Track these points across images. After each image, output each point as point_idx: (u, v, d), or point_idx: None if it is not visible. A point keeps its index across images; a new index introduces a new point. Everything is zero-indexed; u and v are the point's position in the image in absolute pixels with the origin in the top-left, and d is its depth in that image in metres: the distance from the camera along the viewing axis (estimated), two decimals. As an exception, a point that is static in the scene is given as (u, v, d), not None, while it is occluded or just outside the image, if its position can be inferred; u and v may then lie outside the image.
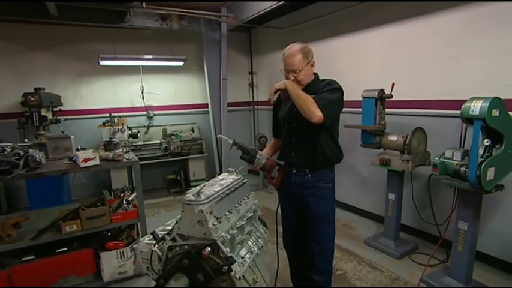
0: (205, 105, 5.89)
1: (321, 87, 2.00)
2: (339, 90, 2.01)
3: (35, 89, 4.69)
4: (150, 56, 5.09)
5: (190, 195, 1.47)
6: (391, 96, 3.24)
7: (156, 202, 5.37)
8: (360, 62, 4.16)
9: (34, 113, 4.53)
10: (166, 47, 5.62)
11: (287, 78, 2.05)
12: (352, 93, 4.21)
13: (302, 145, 2.08)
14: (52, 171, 2.64)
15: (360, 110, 3.46)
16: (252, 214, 1.80)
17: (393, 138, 3.21)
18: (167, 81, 5.96)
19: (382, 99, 3.32)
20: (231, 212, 1.59)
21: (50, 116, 4.87)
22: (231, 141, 2.21)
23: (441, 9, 3.21)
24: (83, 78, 5.37)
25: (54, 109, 4.97)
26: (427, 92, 3.44)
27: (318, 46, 4.59)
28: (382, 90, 3.30)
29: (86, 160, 2.72)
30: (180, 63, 5.43)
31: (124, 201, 3.13)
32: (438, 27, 3.26)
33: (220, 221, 1.49)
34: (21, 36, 4.91)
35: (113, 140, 3.14)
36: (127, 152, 3.28)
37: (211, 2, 4.55)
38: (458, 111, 2.52)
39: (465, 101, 2.38)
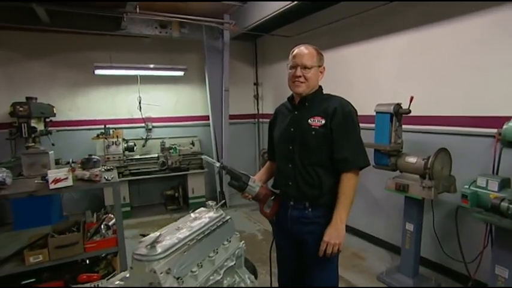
0: (207, 118, 5.57)
1: (331, 111, 1.67)
2: (356, 114, 1.71)
3: (27, 98, 4.46)
4: (148, 65, 4.80)
5: (142, 246, 1.09)
6: (409, 112, 2.83)
7: (150, 220, 5.00)
8: (373, 72, 3.76)
9: (23, 124, 4.27)
10: (166, 56, 5.35)
11: (294, 76, 1.72)
12: (364, 106, 3.77)
13: (302, 173, 1.70)
14: (17, 193, 2.31)
15: (373, 125, 3.06)
16: (234, 262, 1.41)
17: (412, 160, 2.78)
18: (167, 91, 5.68)
19: (398, 114, 2.91)
20: (201, 266, 1.21)
21: (41, 127, 4.62)
22: (217, 165, 1.85)
23: (467, 12, 2.80)
24: (80, 87, 5.13)
25: (47, 120, 4.74)
26: (450, 107, 3.01)
27: (327, 55, 4.19)
28: (398, 105, 2.90)
29: (56, 181, 2.38)
30: (180, 73, 5.14)
31: (103, 226, 2.77)
32: (463, 31, 2.85)
33: (183, 281, 1.10)
34: (16, 44, 4.71)
35: (93, 157, 2.81)
36: (109, 170, 2.94)
37: (213, 1, 4.21)
38: (489, 130, 2.11)
39: (498, 118, 1.96)
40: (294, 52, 1.73)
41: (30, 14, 3.80)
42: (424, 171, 2.64)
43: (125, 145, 5.06)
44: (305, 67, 1.69)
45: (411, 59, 3.32)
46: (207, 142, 5.76)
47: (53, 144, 4.53)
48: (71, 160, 4.33)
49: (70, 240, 2.49)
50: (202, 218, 1.41)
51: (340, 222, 1.59)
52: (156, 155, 5.25)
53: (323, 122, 1.66)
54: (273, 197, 1.86)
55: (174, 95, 5.74)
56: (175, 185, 5.57)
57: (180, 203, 5.48)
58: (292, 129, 1.75)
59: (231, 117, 5.65)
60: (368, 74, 3.84)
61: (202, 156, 1.96)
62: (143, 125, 5.49)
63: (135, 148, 5.15)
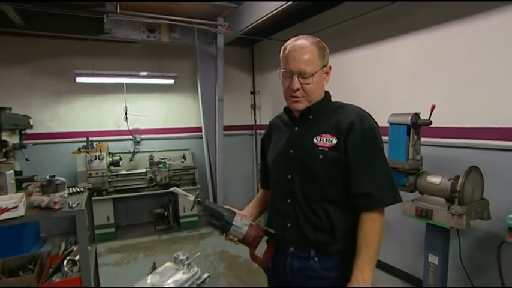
0: (201, 129, 5.13)
1: (345, 126, 1.22)
2: (379, 130, 1.28)
3: (0, 108, 4.04)
4: (134, 73, 4.40)
5: None
6: (430, 123, 2.40)
7: (136, 243, 4.52)
8: (382, 78, 3.34)
9: (-8, 138, 3.85)
10: (155, 63, 4.94)
11: (288, 87, 1.27)
12: (373, 116, 3.43)
13: (305, 212, 1.26)
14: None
15: (385, 138, 2.61)
16: None
17: (435, 180, 2.33)
18: (157, 101, 5.27)
19: (417, 126, 2.47)
20: None
21: (15, 140, 4.19)
22: (191, 198, 1.42)
23: (496, 7, 2.39)
24: (62, 96, 4.72)
25: (23, 132, 4.31)
26: (476, 117, 2.58)
27: (332, 61, 3.82)
28: (416, 115, 2.46)
29: (1, 211, 1.94)
30: (171, 81, 4.73)
31: (66, 261, 2.31)
32: (491, 30, 2.44)
33: None
34: (-9, 49, 4.33)
35: (57, 179, 2.36)
36: (77, 193, 2.49)
37: (205, 1, 3.82)
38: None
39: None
40: (287, 52, 1.27)
41: (1, 15, 3.42)
42: (451, 194, 2.19)
43: (110, 159, 4.62)
44: (304, 75, 1.23)
45: (427, 63, 2.91)
46: (200, 155, 5.32)
47: (27, 159, 4.09)
48: (47, 177, 3.91)
49: (19, 283, 2.03)
50: (164, 283, 0.96)
51: (362, 282, 1.14)
52: (144, 170, 4.81)
53: (334, 141, 1.22)
54: (266, 239, 1.41)
55: (165, 105, 5.33)
56: (165, 202, 5.11)
57: (170, 223, 5.01)
58: (291, 151, 1.31)
59: (227, 128, 5.22)
60: (376, 80, 3.42)
61: (172, 189, 1.51)
62: (131, 137, 5.06)
63: (120, 163, 4.71)
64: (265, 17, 3.45)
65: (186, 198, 1.45)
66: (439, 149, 2.78)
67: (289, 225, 1.29)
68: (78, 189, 2.57)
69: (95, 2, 3.25)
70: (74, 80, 4.18)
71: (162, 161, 4.85)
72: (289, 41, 1.30)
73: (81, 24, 3.78)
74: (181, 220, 4.99)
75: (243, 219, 1.39)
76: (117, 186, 4.64)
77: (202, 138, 5.12)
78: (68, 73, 4.33)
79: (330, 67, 1.35)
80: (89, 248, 2.66)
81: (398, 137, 2.51)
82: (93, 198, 4.37)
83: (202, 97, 4.83)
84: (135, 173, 4.78)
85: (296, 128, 1.34)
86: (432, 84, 2.86)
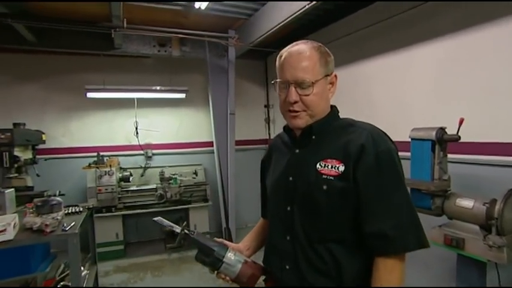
0: (213, 144, 5.00)
1: (354, 150, 1.00)
2: (397, 153, 1.04)
3: (14, 124, 4.07)
4: (144, 87, 4.35)
5: None
6: (458, 138, 2.13)
7: (145, 262, 4.37)
8: (404, 88, 3.08)
9: (4, 153, 3.84)
10: (166, 77, 4.89)
11: (284, 101, 1.07)
12: (392, 130, 3.13)
13: (307, 252, 1.04)
14: None
15: (405, 154, 2.35)
16: None
17: (466, 204, 2.03)
18: (169, 115, 5.20)
19: (443, 141, 2.20)
20: None
21: (28, 155, 4.19)
22: (178, 230, 1.24)
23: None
24: (74, 112, 4.74)
25: (36, 147, 4.33)
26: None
27: (346, 72, 3.61)
28: (442, 129, 2.20)
29: (-11, 233, 1.83)
30: (181, 95, 4.65)
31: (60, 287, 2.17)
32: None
33: None
34: (6, 66, 4.41)
35: (52, 199, 2.25)
36: (74, 213, 2.37)
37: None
38: None
39: None
40: (282, 59, 1.09)
41: (14, 33, 3.45)
42: (487, 221, 1.89)
43: (120, 175, 4.55)
44: (302, 84, 1.04)
45: (452, 71, 2.63)
46: (213, 171, 5.16)
47: (37, 175, 4.07)
48: (57, 193, 3.87)
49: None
50: None
51: None
52: (155, 186, 4.70)
53: (341, 168, 1.00)
54: (264, 278, 1.21)
55: (177, 119, 5.25)
56: (176, 219, 4.95)
57: (181, 241, 4.82)
58: (291, 178, 1.10)
59: (240, 142, 5.06)
60: (396, 91, 3.15)
61: (155, 218, 1.33)
62: (142, 152, 4.99)
63: (131, 178, 4.63)
64: (276, 28, 3.31)
65: (172, 229, 1.27)
66: (469, 167, 2.47)
67: (287, 267, 1.07)
68: (76, 209, 2.46)
69: (103, 18, 3.21)
70: (85, 95, 4.17)
71: (173, 176, 4.72)
72: (285, 48, 1.11)
73: (91, 40, 3.78)
74: (192, 238, 4.80)
75: (236, 255, 1.19)
76: (126, 203, 4.54)
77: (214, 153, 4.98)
78: (79, 89, 4.34)
79: (336, 76, 1.13)
80: (87, 271, 2.53)
81: (422, 154, 2.25)
82: (102, 214, 4.30)
83: (214, 111, 4.71)
84: (145, 189, 4.68)
85: (297, 151, 1.13)
86: (458, 95, 2.58)
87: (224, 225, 4.81)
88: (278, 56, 1.11)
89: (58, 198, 2.30)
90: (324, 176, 1.01)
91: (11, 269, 3.34)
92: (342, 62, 3.70)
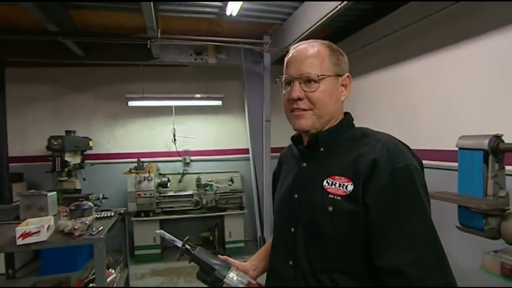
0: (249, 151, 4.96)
1: (365, 167, 0.84)
2: (419, 171, 0.85)
3: (66, 131, 4.43)
4: (180, 95, 4.46)
5: None
6: (518, 148, 1.81)
7: (179, 267, 4.40)
8: (449, 91, 2.74)
9: (56, 158, 4.18)
10: (203, 85, 4.98)
11: (289, 98, 0.95)
12: (436, 139, 2.80)
13: (309, 282, 0.90)
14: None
15: (451, 164, 2.08)
16: None
17: (528, 226, 1.71)
18: (207, 122, 5.28)
19: (498, 151, 1.89)
20: None
21: (77, 160, 4.52)
22: (179, 244, 1.16)
23: None
24: (117, 119, 5.03)
25: (84, 153, 4.65)
26: None
27: (384, 75, 3.35)
28: (497, 137, 1.89)
29: (24, 235, 1.94)
30: (218, 103, 4.68)
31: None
32: None
33: None
34: (62, 79, 4.84)
35: (84, 204, 2.34)
36: (106, 217, 2.45)
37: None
38: None
39: None
40: (289, 56, 0.98)
41: (65, 49, 3.76)
42: (555, 249, 1.57)
43: (158, 181, 4.70)
44: (308, 80, 0.92)
45: (508, 70, 2.27)
46: (250, 178, 5.10)
47: (84, 179, 4.38)
48: (101, 196, 4.10)
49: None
50: None
51: None
52: (191, 193, 4.77)
53: (350, 188, 0.85)
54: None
55: (214, 126, 5.31)
56: (212, 226, 4.98)
57: (215, 247, 4.84)
58: (296, 196, 0.97)
59: (276, 150, 4.93)
60: (440, 94, 2.81)
61: (157, 231, 1.27)
62: (180, 158, 5.11)
63: (169, 184, 4.76)
64: (309, 31, 3.16)
65: (174, 243, 1.20)
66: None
67: None
68: (107, 214, 2.54)
69: (139, 30, 3.37)
70: (126, 103, 4.39)
71: (209, 183, 4.76)
72: (293, 46, 1.00)
73: (132, 52, 3.97)
74: (227, 246, 4.78)
75: (239, 276, 1.08)
76: (164, 208, 4.66)
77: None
78: (122, 97, 4.59)
79: (350, 78, 0.99)
80: (118, 273, 2.59)
81: (472, 166, 1.96)
82: (140, 218, 4.46)
83: (250, 118, 4.68)
84: (182, 195, 4.77)
85: (304, 164, 1.00)
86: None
87: (259, 234, 4.71)
88: (287, 55, 1.01)
89: (90, 203, 2.39)
90: (330, 196, 0.87)
91: (59, 266, 3.59)
92: (379, 65, 3.44)
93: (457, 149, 2.05)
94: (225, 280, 1.06)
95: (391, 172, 0.81)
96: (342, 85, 0.97)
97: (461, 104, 2.62)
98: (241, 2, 2.94)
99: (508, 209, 1.88)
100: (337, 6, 2.51)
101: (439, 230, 0.81)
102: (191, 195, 4.72)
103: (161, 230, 1.27)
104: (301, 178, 0.98)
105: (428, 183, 0.88)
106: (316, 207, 0.89)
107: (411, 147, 0.91)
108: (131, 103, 4.34)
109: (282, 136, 5.14)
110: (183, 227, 5.03)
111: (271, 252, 1.09)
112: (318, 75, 0.90)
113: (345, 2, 2.44)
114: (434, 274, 0.76)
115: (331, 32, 3.98)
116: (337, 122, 0.98)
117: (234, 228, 4.80)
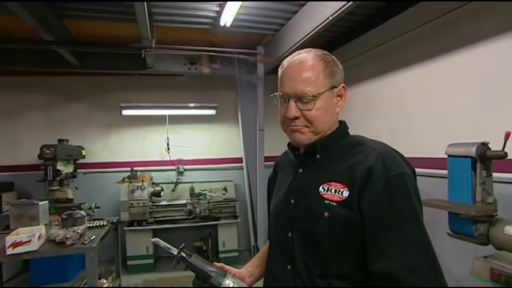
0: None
1: (359, 174, 0.87)
2: (413, 179, 0.89)
3: (59, 140, 4.39)
4: (175, 104, 4.48)
5: None
6: (505, 155, 1.86)
7: (172, 277, 4.36)
8: (442, 100, 2.81)
9: (48, 167, 4.13)
10: (197, 94, 4.99)
11: (285, 117, 0.98)
12: (427, 147, 2.86)
13: (306, 285, 0.92)
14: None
15: (441, 172, 2.12)
16: None
17: (516, 232, 1.75)
18: (201, 131, 5.30)
19: (485, 159, 1.94)
20: None
21: (69, 169, 4.48)
22: (175, 252, 1.17)
23: None
24: (112, 128, 5.02)
25: (77, 162, 4.61)
26: None
27: (377, 84, 3.42)
28: (484, 145, 1.95)
29: (14, 245, 1.92)
30: (212, 112, 4.71)
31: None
32: None
33: None
34: (56, 88, 4.84)
35: (76, 212, 2.32)
36: (98, 226, 2.43)
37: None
38: None
39: None
40: (282, 70, 0.99)
41: (59, 58, 3.77)
42: (542, 254, 1.60)
43: (152, 190, 4.67)
44: (303, 98, 0.93)
45: (498, 80, 2.35)
46: (243, 187, 5.11)
47: (76, 188, 4.32)
48: (93, 205, 4.05)
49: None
50: None
51: None
52: (184, 202, 4.74)
53: (346, 194, 0.88)
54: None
55: (208, 135, 5.32)
56: (205, 235, 4.94)
57: (209, 257, 4.79)
58: (292, 202, 1.00)
59: (269, 159, 4.95)
60: (433, 104, 2.89)
61: (152, 239, 1.27)
62: (174, 167, 5.10)
63: (162, 193, 4.74)
64: (302, 42, 3.22)
65: (169, 251, 1.20)
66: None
67: None
68: (100, 223, 2.52)
69: (134, 40, 3.41)
70: (120, 112, 4.39)
71: (203, 192, 4.74)
72: (287, 59, 1.02)
73: (126, 61, 4.00)
74: (221, 255, 4.74)
75: (235, 283, 1.09)
76: (157, 217, 4.63)
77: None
78: (116, 106, 4.59)
79: (345, 88, 1.01)
80: (110, 284, 2.55)
81: (461, 173, 2.01)
82: (133, 228, 4.41)
83: (243, 127, 4.71)
84: (176, 204, 4.74)
85: (300, 171, 1.02)
86: (506, 106, 2.29)
87: (253, 243, 4.69)
88: (280, 66, 1.02)
89: (82, 212, 2.38)
90: (326, 201, 0.89)
91: (49, 276, 3.51)
92: (372, 75, 3.51)
93: (446, 156, 2.10)
94: (221, 287, 1.06)
95: (385, 180, 0.84)
96: (338, 96, 0.99)
97: (453, 113, 2.69)
98: (235, 13, 2.99)
99: (496, 215, 1.92)
100: (328, 18, 2.58)
101: (431, 236, 0.84)
102: (184, 205, 4.69)
103: (156, 238, 1.28)
104: (297, 184, 1.01)
105: (420, 191, 0.90)
106: (312, 213, 0.91)
107: (403, 155, 0.94)
108: (125, 112, 4.35)
109: (275, 145, 5.20)
110: (177, 236, 4.98)
111: (268, 257, 1.10)
112: (314, 95, 0.92)
113: (337, 14, 2.51)
114: (427, 279, 0.79)
115: (324, 42, 4.07)
116: (333, 130, 1.00)
117: (228, 238, 4.78)
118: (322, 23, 2.76)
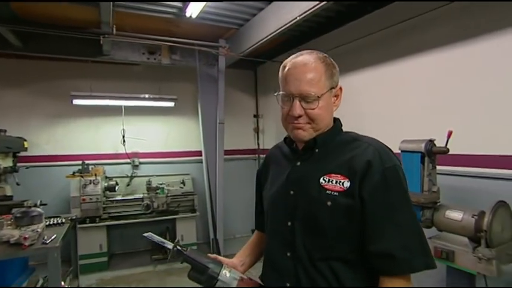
0: (202, 153, 4.94)
1: (360, 167, 0.97)
2: (403, 171, 1.00)
3: (-5, 130, 3.93)
4: (132, 95, 4.28)
5: None
6: (447, 151, 2.15)
7: (129, 274, 4.23)
8: (395, 101, 3.11)
9: (-18, 161, 3.70)
10: (155, 85, 4.84)
11: (288, 114, 1.04)
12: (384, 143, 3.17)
13: (308, 271, 1.00)
14: None
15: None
16: None
17: (455, 215, 2.04)
18: (158, 124, 5.13)
19: (432, 154, 2.22)
20: None
21: (8, 163, 4.04)
22: (169, 246, 1.17)
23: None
24: (59, 118, 4.62)
25: (17, 155, 4.17)
26: (506, 144, 2.30)
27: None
28: (431, 141, 2.22)
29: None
30: (170, 104, 4.59)
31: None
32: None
33: None
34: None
35: (33, 210, 2.15)
36: (57, 224, 2.27)
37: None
38: None
39: None
40: (286, 70, 1.05)
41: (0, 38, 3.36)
42: (476, 233, 1.90)
43: (105, 184, 4.43)
44: (308, 98, 1.00)
45: (444, 84, 2.67)
46: (201, 181, 5.08)
47: (17, 184, 3.91)
48: (39, 202, 3.72)
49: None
50: None
51: None
52: (141, 196, 4.58)
53: (347, 184, 0.97)
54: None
55: (165, 128, 5.18)
56: (163, 230, 4.84)
57: (166, 252, 4.70)
58: (291, 192, 1.06)
59: (229, 152, 5.01)
60: (386, 104, 3.19)
61: (145, 234, 1.26)
62: (129, 161, 4.88)
63: (117, 188, 4.51)
64: (266, 39, 3.32)
65: (164, 245, 1.20)
66: (460, 179, 2.50)
67: (288, 285, 1.03)
68: (58, 221, 2.36)
69: (92, 24, 3.17)
70: (71, 102, 4.07)
71: (160, 186, 4.63)
72: (289, 58, 1.08)
73: (79, 46, 3.71)
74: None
75: (232, 272, 1.14)
76: (112, 213, 4.41)
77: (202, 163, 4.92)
78: (66, 95, 4.22)
79: (341, 89, 1.11)
80: (68, 285, 2.41)
81: (412, 166, 2.26)
82: (85, 225, 4.15)
83: (203, 120, 4.68)
84: (132, 199, 4.56)
85: (298, 163, 1.09)
86: (451, 108, 2.62)
87: (212, 236, 4.72)
88: (281, 66, 1.08)
89: (39, 209, 2.21)
90: (328, 192, 0.98)
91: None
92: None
93: (399, 151, 2.35)
94: (219, 277, 1.10)
95: (381, 171, 0.95)
96: (335, 96, 1.09)
97: (404, 113, 2.99)
98: (203, 5, 2.95)
99: (439, 202, 2.22)
100: (296, 17, 2.69)
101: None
102: (141, 199, 4.53)
103: (149, 233, 1.27)
104: (296, 176, 1.07)
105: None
106: (314, 202, 0.99)
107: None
108: (77, 101, 4.04)
109: (235, 139, 5.28)
110: (133, 232, 4.82)
111: (266, 246, 1.16)
112: (318, 96, 1.00)
113: (303, 15, 2.63)
114: (419, 257, 0.92)
115: (284, 40, 4.19)
116: (330, 127, 1.09)
117: (186, 231, 4.74)
118: (288, 22, 2.86)
